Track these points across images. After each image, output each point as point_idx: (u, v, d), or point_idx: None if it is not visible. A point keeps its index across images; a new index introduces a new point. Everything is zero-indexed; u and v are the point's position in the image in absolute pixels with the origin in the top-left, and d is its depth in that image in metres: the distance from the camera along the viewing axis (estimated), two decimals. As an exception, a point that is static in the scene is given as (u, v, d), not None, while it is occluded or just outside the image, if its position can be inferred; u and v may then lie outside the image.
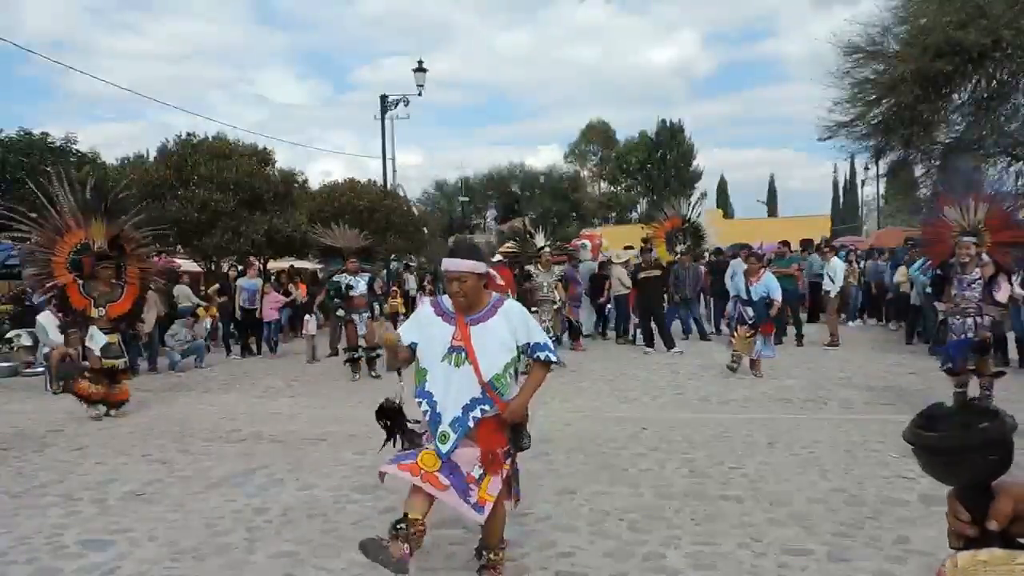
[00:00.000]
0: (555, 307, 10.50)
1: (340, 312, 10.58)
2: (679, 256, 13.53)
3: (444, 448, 3.24)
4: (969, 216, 6.72)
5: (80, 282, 7.92)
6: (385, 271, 22.03)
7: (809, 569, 3.58)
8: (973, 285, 6.63)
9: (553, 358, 3.42)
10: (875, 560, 3.65)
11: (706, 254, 14.80)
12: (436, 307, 3.45)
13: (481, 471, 3.27)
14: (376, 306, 10.53)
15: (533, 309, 10.37)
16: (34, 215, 7.88)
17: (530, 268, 10.95)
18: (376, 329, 3.57)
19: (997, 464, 1.17)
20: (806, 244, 15.94)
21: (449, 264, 3.27)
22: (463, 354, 3.26)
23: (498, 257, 15.92)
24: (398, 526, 3.09)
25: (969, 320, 6.64)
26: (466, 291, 3.27)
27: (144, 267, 8.61)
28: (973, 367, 6.75)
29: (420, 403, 3.30)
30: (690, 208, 14.74)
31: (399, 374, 3.54)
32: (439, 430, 3.26)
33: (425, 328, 3.38)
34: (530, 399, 3.36)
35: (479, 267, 3.32)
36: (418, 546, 3.15)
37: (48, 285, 7.90)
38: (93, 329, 8.01)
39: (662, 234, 14.47)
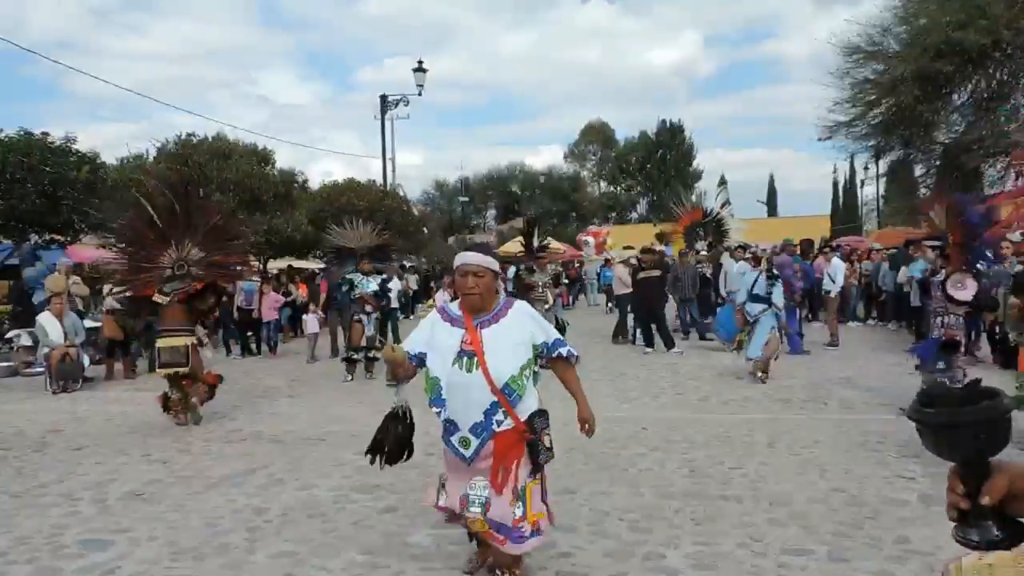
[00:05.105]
0: (546, 308, 10.86)
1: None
2: (688, 253, 13.38)
3: (467, 453, 3.17)
4: (937, 220, 7.08)
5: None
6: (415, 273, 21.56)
7: (809, 569, 3.58)
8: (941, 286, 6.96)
9: (575, 352, 3.40)
10: (875, 560, 3.65)
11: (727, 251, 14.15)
12: (443, 314, 3.34)
13: (520, 506, 3.16)
14: (398, 314, 10.13)
15: None
16: (127, 232, 7.69)
17: (531, 265, 11.24)
18: (386, 352, 3.38)
19: (988, 442, 1.20)
20: (806, 246, 15.83)
21: (467, 258, 3.21)
22: (474, 359, 3.14)
23: None
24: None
25: (938, 319, 6.90)
26: (482, 288, 3.18)
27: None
28: (944, 366, 6.86)
29: (439, 412, 3.22)
30: (714, 199, 14.29)
31: (397, 387, 3.43)
32: (458, 435, 3.18)
33: (434, 335, 3.27)
34: (586, 398, 3.46)
35: (495, 264, 3.27)
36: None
37: (129, 296, 7.89)
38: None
39: (681, 228, 14.12)
